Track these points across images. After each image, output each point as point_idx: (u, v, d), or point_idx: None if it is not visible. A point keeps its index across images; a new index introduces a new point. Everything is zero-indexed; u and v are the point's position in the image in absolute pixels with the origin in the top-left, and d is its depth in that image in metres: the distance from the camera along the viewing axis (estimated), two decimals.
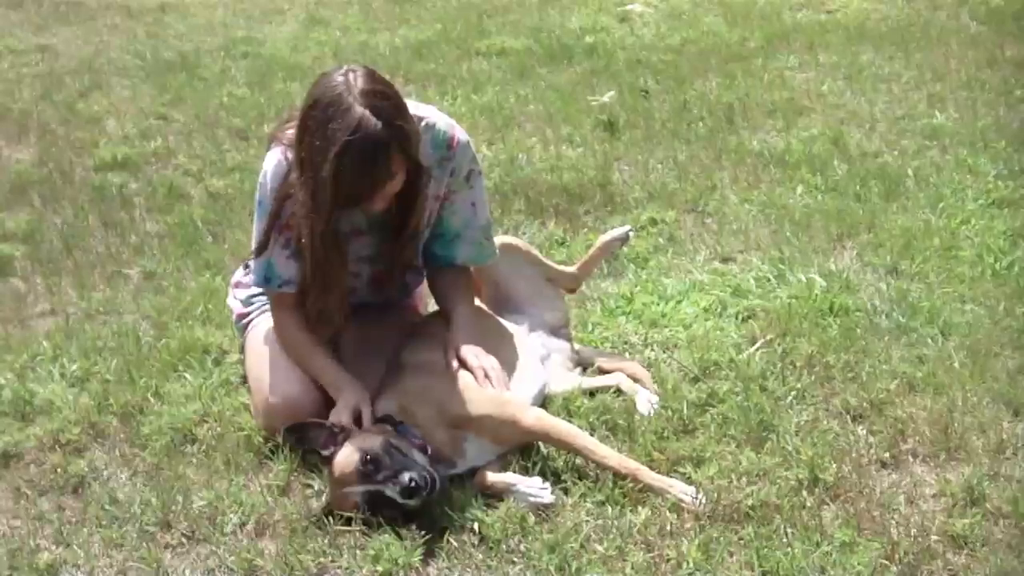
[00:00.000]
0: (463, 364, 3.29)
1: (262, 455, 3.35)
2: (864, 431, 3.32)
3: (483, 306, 3.68)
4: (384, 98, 3.06)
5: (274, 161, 3.27)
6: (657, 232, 4.82)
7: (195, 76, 7.66)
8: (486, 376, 3.24)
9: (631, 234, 4.15)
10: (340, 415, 3.17)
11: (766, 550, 2.81)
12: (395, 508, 2.94)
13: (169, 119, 6.83)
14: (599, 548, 2.87)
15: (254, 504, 3.13)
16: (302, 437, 3.12)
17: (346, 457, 3.00)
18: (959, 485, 3.03)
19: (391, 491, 2.93)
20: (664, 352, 3.84)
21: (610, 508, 3.00)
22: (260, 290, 3.52)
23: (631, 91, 6.72)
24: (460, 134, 3.39)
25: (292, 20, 9.31)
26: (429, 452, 3.08)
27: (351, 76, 3.06)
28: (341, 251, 3.26)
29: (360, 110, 3.00)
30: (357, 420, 3.16)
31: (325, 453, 3.06)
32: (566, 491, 3.09)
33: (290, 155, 3.21)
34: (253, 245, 3.37)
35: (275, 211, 3.25)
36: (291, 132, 3.22)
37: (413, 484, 2.91)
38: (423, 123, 3.28)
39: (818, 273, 4.26)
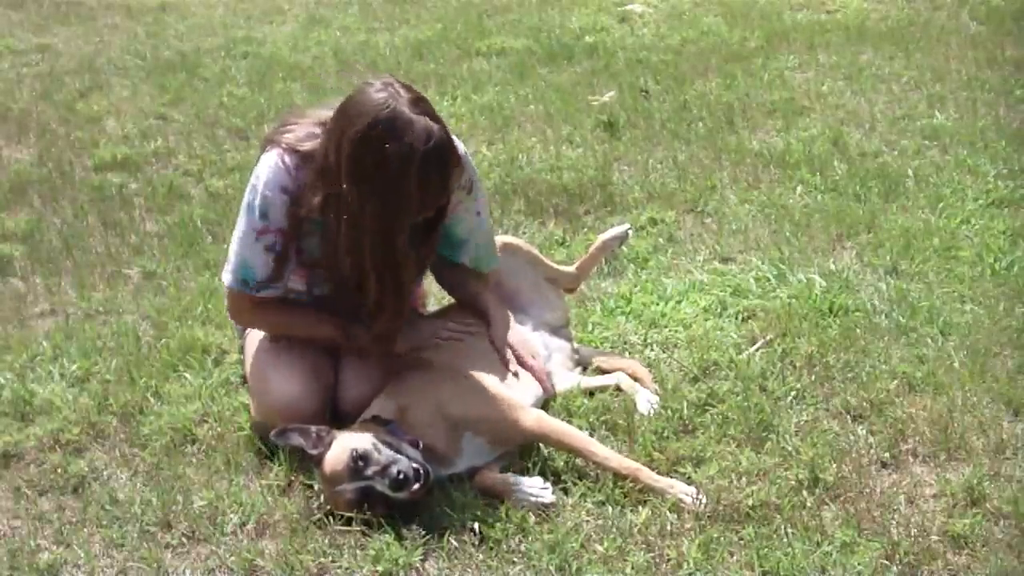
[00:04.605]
0: (521, 362, 3.40)
1: (262, 455, 3.36)
2: (864, 431, 3.32)
3: None
4: (423, 101, 3.12)
5: (271, 164, 3.23)
6: (657, 232, 4.81)
7: (195, 76, 7.65)
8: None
9: (630, 233, 4.14)
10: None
11: (766, 550, 2.81)
12: (387, 502, 2.95)
13: (169, 119, 6.83)
14: (599, 548, 2.87)
15: (254, 504, 3.13)
16: (288, 440, 3.11)
17: (336, 455, 3.01)
18: (959, 485, 3.03)
19: (381, 485, 2.94)
20: (664, 352, 3.84)
21: (610, 508, 3.00)
22: None
23: (631, 91, 6.72)
24: (459, 145, 3.39)
25: (292, 20, 9.30)
26: (420, 446, 3.07)
27: (391, 89, 3.06)
28: (412, 261, 3.26)
29: (421, 119, 3.03)
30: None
31: (313, 452, 3.06)
32: (566, 491, 3.10)
33: (288, 159, 3.20)
34: (234, 246, 3.32)
35: (292, 228, 3.23)
36: (289, 136, 3.21)
37: (402, 476, 2.91)
38: None
39: (818, 273, 4.26)
